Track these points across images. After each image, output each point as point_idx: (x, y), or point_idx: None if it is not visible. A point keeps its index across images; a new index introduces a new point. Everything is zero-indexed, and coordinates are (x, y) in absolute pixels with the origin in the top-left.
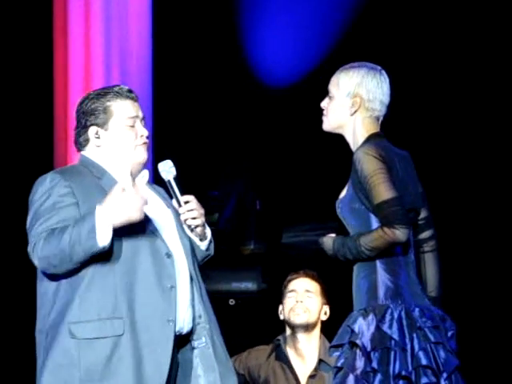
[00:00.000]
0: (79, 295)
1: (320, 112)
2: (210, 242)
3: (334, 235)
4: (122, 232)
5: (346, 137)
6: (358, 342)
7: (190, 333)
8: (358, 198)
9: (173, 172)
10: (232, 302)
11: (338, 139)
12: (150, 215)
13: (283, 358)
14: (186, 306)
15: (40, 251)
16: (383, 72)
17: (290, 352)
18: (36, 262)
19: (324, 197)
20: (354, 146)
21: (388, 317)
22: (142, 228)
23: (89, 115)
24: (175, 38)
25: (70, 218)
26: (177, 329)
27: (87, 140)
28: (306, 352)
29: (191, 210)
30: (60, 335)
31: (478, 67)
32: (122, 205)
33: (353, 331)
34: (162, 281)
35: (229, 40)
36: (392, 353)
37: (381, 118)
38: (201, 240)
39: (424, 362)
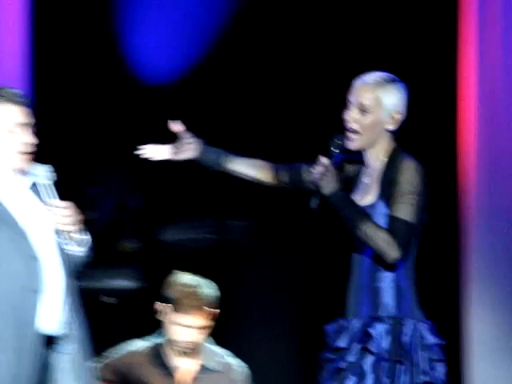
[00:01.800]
0: None
1: (200, 108)
2: (88, 247)
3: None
4: None
5: (370, 152)
6: (372, 349)
7: (58, 337)
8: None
9: (51, 177)
10: (107, 299)
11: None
12: (23, 217)
13: (162, 363)
14: (59, 310)
15: None
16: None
17: (170, 356)
18: None
19: (204, 194)
20: (376, 162)
21: (406, 329)
22: (9, 230)
23: None
24: (54, 38)
25: None
26: (46, 331)
27: None
28: (188, 359)
29: (66, 215)
30: None
31: None
32: None
33: (369, 336)
34: (25, 283)
35: (106, 39)
36: (403, 366)
37: None
38: (79, 246)
39: (428, 378)
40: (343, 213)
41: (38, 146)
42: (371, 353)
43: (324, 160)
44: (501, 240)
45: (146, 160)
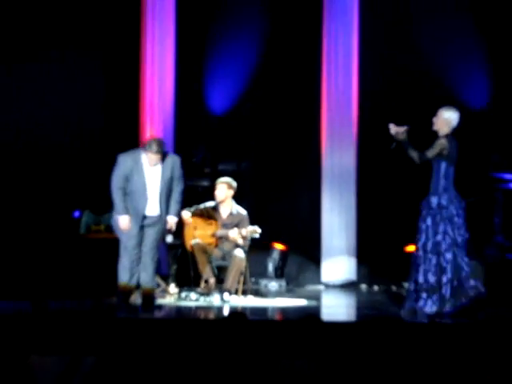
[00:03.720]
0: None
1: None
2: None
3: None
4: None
5: None
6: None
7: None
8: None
9: None
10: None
11: None
12: (147, 175)
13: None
14: (155, 208)
15: None
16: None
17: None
18: None
19: None
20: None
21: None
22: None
23: None
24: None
25: None
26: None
27: None
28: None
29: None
30: None
31: None
32: None
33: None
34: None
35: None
36: None
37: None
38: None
39: None
40: (404, 147)
41: None
42: None
43: (400, 127)
44: None
45: None
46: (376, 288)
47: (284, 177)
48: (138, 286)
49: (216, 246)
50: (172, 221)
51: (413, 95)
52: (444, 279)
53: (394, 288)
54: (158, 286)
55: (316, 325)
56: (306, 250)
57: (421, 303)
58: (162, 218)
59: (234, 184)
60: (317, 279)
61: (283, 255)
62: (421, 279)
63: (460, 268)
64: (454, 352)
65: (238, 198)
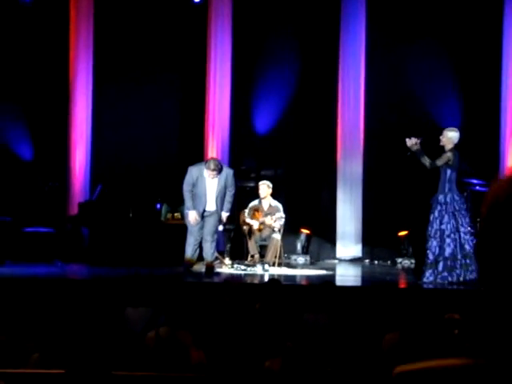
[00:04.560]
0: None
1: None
2: None
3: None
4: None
5: None
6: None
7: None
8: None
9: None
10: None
11: None
12: (207, 183)
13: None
14: (212, 205)
15: None
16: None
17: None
18: None
19: None
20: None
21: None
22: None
23: None
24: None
25: None
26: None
27: None
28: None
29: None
30: None
31: None
32: None
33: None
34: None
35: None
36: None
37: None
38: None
39: None
40: (417, 156)
41: None
42: None
43: (414, 139)
44: None
45: None
46: (376, 263)
47: (308, 179)
48: (200, 259)
49: (260, 230)
50: (224, 216)
51: (403, 117)
52: (440, 258)
53: (388, 263)
54: (217, 258)
55: (332, 288)
56: (324, 234)
57: (423, 274)
58: (217, 211)
59: (271, 185)
60: (333, 255)
61: (308, 237)
62: (429, 255)
63: (463, 248)
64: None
65: (274, 195)
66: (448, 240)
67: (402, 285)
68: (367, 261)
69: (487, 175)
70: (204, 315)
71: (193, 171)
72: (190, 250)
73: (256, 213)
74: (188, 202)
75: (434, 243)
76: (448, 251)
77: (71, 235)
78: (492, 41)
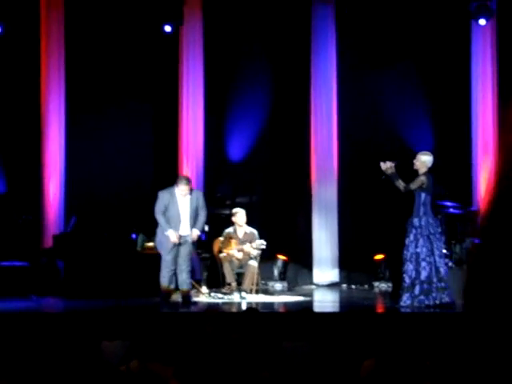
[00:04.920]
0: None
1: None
2: None
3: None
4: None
5: None
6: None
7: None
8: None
9: None
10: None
11: None
12: (180, 205)
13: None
14: (186, 228)
15: None
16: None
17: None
18: None
19: None
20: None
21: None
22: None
23: None
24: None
25: None
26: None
27: None
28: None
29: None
30: None
31: None
32: None
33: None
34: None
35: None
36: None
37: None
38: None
39: None
40: (392, 179)
41: None
42: None
43: (389, 163)
44: None
45: None
46: (353, 287)
47: (284, 205)
48: (176, 289)
49: (238, 260)
50: (195, 233)
51: (377, 141)
52: (417, 281)
53: (366, 287)
54: (193, 287)
55: (310, 315)
56: (301, 259)
57: (401, 298)
58: (191, 236)
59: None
60: (310, 281)
61: (285, 263)
62: (406, 279)
63: (438, 271)
64: (407, 334)
65: (250, 221)
66: (423, 263)
67: (380, 309)
68: (345, 285)
69: (461, 197)
70: (184, 346)
71: (164, 195)
72: (165, 281)
73: (231, 241)
74: (163, 224)
75: (410, 267)
76: (424, 274)
77: (46, 268)
78: (461, 66)
